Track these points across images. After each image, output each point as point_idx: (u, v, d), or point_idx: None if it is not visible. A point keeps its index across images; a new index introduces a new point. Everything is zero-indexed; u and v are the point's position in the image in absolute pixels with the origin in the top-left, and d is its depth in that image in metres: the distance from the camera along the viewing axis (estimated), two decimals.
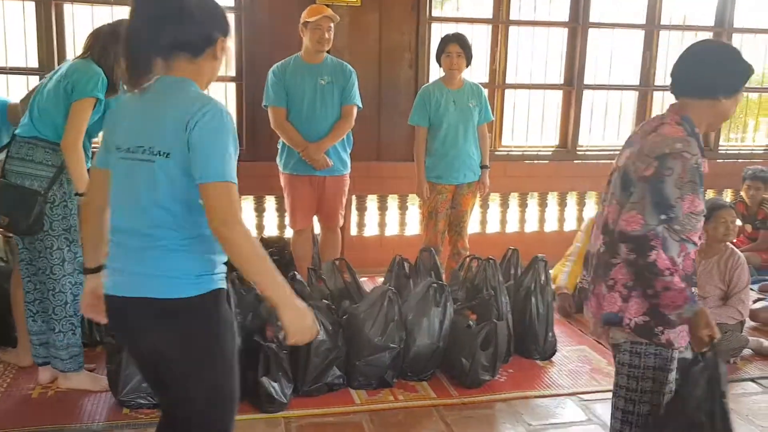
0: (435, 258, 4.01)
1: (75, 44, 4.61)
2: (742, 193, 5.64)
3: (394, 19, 5.05)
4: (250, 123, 4.93)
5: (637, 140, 2.12)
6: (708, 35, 5.75)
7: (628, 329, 2.08)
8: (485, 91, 4.66)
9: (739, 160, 5.96)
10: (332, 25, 4.08)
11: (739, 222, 5.67)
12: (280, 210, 5.04)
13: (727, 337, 3.72)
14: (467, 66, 4.38)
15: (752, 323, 4.30)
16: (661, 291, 1.96)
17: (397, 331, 3.35)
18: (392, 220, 5.39)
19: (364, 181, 5.07)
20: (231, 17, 4.01)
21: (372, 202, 5.40)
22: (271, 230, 5.27)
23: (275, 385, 3.05)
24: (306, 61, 4.17)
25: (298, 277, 3.49)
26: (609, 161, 5.45)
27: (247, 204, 5.42)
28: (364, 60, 4.94)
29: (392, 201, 5.43)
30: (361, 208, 5.27)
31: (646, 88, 5.71)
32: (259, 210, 5.18)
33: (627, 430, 2.17)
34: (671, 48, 5.71)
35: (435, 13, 5.28)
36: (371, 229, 5.36)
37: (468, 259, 3.98)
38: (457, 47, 4.28)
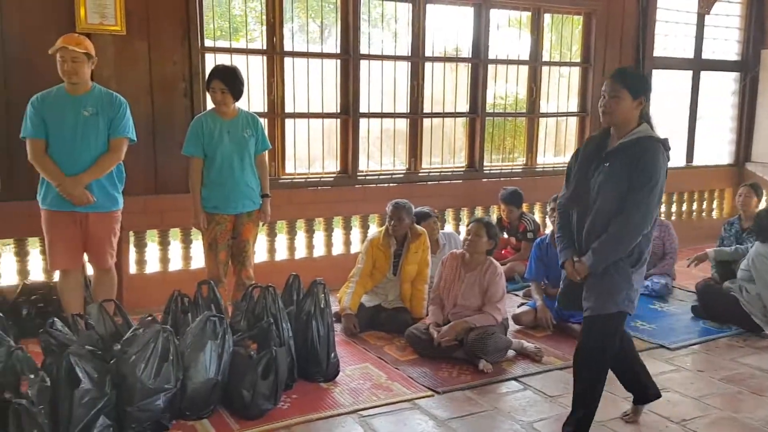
0: (215, 290, 3.91)
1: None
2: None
3: (164, 48, 4.91)
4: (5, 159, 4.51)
5: None
6: (466, 65, 6.32)
7: None
8: (262, 121, 4.69)
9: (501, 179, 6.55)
10: (77, 55, 3.83)
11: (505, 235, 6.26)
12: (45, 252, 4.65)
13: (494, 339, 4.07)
14: (236, 99, 4.33)
15: (516, 326, 4.74)
16: None
17: (173, 371, 3.23)
18: (175, 254, 5.20)
19: (140, 217, 4.86)
20: None
21: (152, 237, 5.19)
22: (36, 275, 4.84)
23: None
24: (68, 92, 3.91)
25: (58, 325, 3.22)
26: (387, 185, 5.83)
27: (8, 248, 4.95)
28: (135, 90, 4.76)
29: (174, 234, 5.26)
30: (140, 245, 5.03)
31: (415, 115, 6.10)
32: (21, 254, 4.74)
33: None
34: (436, 78, 6.18)
35: (208, 43, 5.22)
36: (153, 266, 5.13)
37: (250, 288, 3.95)
38: (220, 83, 4.23)
